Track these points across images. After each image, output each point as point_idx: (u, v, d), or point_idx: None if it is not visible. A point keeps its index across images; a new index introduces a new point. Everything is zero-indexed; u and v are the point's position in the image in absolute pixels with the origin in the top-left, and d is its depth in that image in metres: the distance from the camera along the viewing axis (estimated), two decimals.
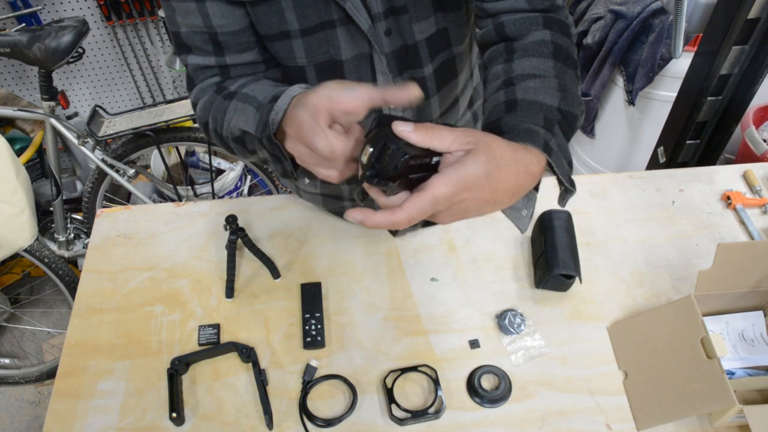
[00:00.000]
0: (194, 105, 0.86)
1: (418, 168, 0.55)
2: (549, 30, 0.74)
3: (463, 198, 0.55)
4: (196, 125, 2.00)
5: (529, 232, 1.10)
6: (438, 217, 0.57)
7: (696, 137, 1.70)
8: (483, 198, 0.56)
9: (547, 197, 1.16)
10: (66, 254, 2.09)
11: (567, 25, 0.77)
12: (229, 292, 1.01)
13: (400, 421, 0.86)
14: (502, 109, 0.67)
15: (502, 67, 0.73)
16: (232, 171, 2.36)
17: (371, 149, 0.55)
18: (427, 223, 0.66)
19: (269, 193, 2.34)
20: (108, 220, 1.15)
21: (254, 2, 0.75)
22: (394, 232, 0.67)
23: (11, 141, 1.90)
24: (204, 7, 0.75)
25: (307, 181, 1.06)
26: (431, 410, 0.87)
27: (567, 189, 0.66)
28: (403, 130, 0.55)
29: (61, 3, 2.12)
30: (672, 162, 1.76)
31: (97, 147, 1.89)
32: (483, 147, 0.55)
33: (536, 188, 0.65)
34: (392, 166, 0.54)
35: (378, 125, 0.56)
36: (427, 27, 0.82)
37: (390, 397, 0.88)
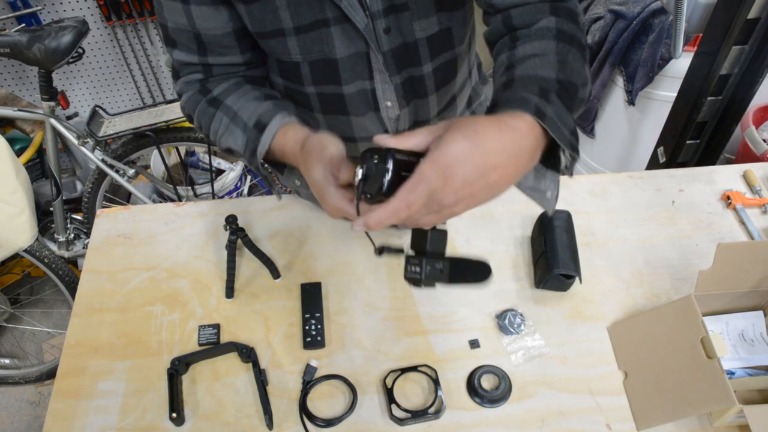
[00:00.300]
0: (179, 95, 0.89)
1: (406, 166, 0.54)
2: (555, 17, 0.73)
3: (456, 171, 0.52)
4: None
5: (528, 231, 1.10)
6: (445, 203, 0.54)
7: (696, 137, 1.70)
8: (478, 166, 0.53)
9: None
10: (66, 254, 2.09)
11: (575, 13, 0.75)
12: (229, 292, 1.01)
13: (400, 421, 0.86)
14: (500, 89, 0.67)
15: (506, 54, 0.72)
16: (232, 171, 2.36)
17: (360, 169, 0.56)
18: (453, 279, 0.65)
19: (269, 193, 2.34)
20: (108, 220, 1.15)
21: (248, 1, 0.75)
22: (419, 284, 0.66)
23: (11, 141, 1.90)
24: (189, 9, 0.77)
25: (298, 182, 1.04)
26: (431, 410, 0.87)
27: (571, 156, 0.63)
28: (382, 136, 0.55)
29: (61, 3, 2.12)
30: (672, 162, 1.76)
31: (97, 147, 1.89)
32: (455, 124, 0.55)
33: (558, 169, 0.64)
34: (382, 169, 0.53)
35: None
36: (428, 26, 0.82)
37: (390, 397, 0.88)
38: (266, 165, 0.82)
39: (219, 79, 0.86)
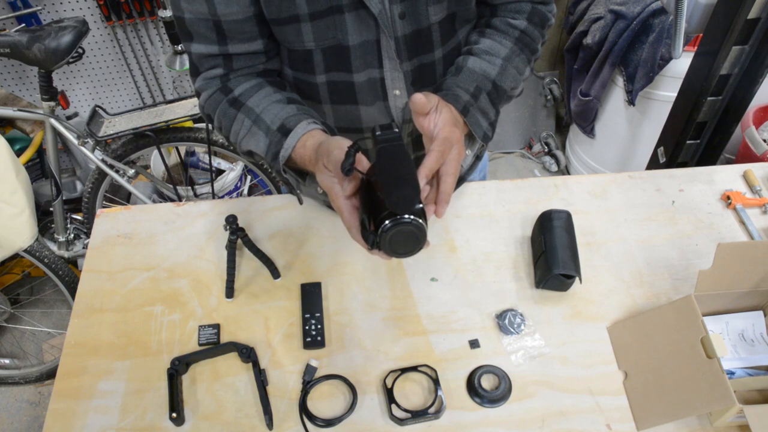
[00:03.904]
0: (198, 93, 0.88)
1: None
2: (528, 22, 0.90)
3: (455, 133, 0.75)
4: (197, 125, 2.00)
5: (528, 231, 1.10)
6: (458, 146, 0.74)
7: (696, 137, 1.70)
8: (455, 128, 0.75)
9: (546, 197, 1.17)
10: (66, 254, 2.09)
11: (547, 18, 0.92)
12: (229, 292, 1.02)
13: (400, 421, 0.86)
14: (453, 70, 0.87)
15: (475, 38, 0.91)
16: (232, 171, 2.36)
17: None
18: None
19: (269, 193, 2.34)
20: (108, 220, 1.15)
21: None
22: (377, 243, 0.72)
23: (11, 141, 1.90)
24: None
25: (320, 190, 1.08)
26: (431, 410, 0.87)
27: (482, 143, 0.88)
28: (417, 96, 0.72)
29: (61, 3, 2.12)
30: (672, 162, 1.76)
31: (97, 147, 1.88)
32: (441, 105, 0.77)
33: (481, 139, 0.86)
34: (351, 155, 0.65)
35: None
36: (440, 10, 0.84)
37: (390, 397, 0.88)
38: (287, 170, 0.82)
39: (240, 77, 0.86)
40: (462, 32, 0.91)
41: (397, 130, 0.64)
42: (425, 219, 0.64)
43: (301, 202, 0.96)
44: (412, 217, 0.62)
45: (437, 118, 0.75)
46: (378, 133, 0.63)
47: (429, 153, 0.71)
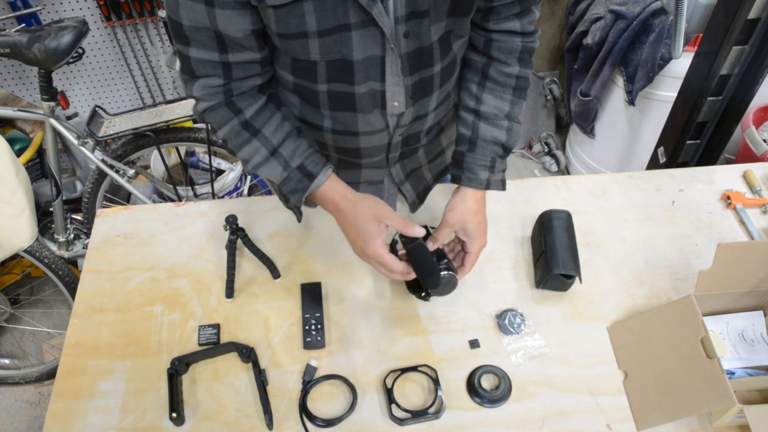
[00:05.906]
0: (195, 98, 0.87)
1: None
2: (519, 63, 0.94)
3: (481, 218, 0.94)
4: (196, 126, 1.99)
5: (528, 232, 1.10)
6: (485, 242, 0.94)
7: (696, 137, 1.70)
8: (482, 218, 0.94)
9: (546, 197, 1.17)
10: (66, 254, 2.09)
11: (534, 50, 0.97)
12: (229, 292, 1.01)
13: (400, 421, 0.86)
14: (467, 145, 0.96)
15: (476, 91, 0.96)
16: (232, 171, 2.36)
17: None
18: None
19: (269, 193, 2.33)
20: (108, 220, 1.15)
21: (278, 6, 0.77)
22: (426, 298, 0.93)
23: (11, 141, 1.90)
24: (213, 11, 0.77)
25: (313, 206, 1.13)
26: (431, 410, 0.87)
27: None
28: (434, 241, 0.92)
29: (61, 3, 2.12)
30: (672, 162, 1.76)
31: (97, 147, 1.88)
32: (468, 219, 0.93)
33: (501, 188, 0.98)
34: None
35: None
36: (440, 29, 0.85)
37: (390, 397, 0.88)
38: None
39: (245, 93, 0.87)
40: (456, 46, 0.93)
41: (429, 231, 0.91)
42: (455, 270, 0.90)
43: (299, 221, 0.97)
44: (449, 272, 0.88)
45: (458, 212, 0.92)
46: (404, 239, 0.87)
47: (470, 254, 0.92)
